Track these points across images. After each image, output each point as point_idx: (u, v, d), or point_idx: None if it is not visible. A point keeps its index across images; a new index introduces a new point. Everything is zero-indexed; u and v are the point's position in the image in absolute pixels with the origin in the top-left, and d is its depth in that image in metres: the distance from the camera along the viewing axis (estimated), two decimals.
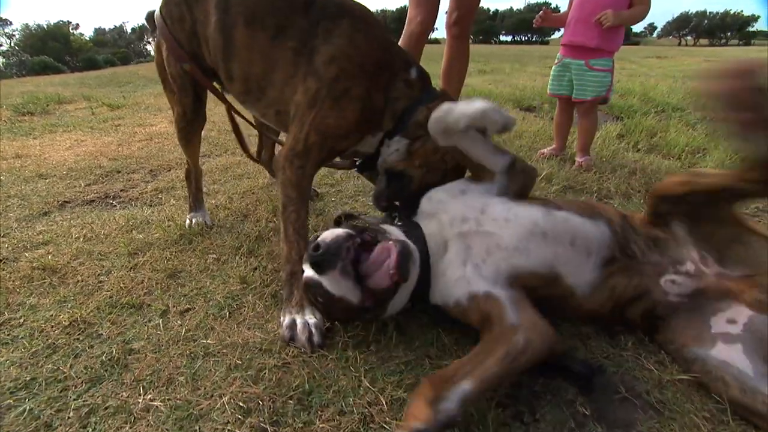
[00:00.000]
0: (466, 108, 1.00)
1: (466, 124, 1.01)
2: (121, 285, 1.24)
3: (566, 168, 2.30)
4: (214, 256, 1.39)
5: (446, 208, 1.06)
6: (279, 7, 1.20)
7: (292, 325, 0.98)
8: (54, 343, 1.00)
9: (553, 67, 2.45)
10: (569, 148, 2.62)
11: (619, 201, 1.90)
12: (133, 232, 1.59)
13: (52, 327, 1.06)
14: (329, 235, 0.92)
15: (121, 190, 2.06)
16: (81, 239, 1.54)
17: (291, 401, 0.84)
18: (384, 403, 0.83)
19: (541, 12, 2.48)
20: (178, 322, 1.07)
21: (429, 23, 2.50)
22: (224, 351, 0.96)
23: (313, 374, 0.90)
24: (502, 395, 0.87)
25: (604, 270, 0.99)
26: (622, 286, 0.99)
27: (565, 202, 1.12)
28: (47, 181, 2.19)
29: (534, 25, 2.57)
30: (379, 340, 1.00)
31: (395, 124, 1.20)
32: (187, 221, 1.60)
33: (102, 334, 1.03)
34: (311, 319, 0.99)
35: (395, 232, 1.03)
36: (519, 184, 1.08)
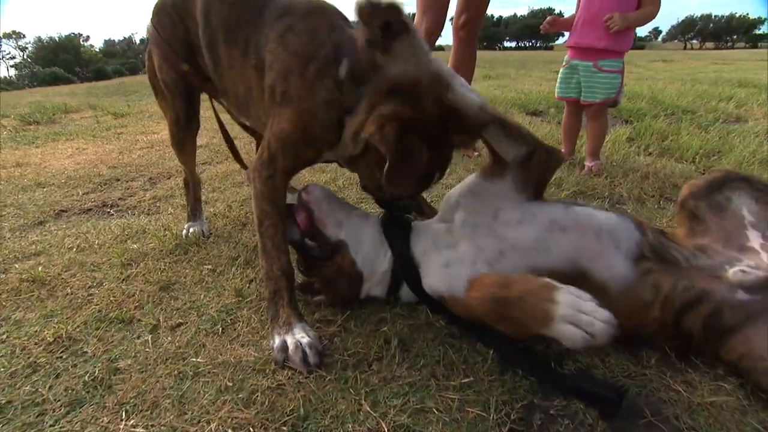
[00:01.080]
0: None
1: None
2: (112, 298, 1.18)
3: (576, 173, 2.23)
4: (210, 266, 1.33)
5: (458, 213, 1.05)
6: (245, 17, 1.10)
7: (284, 346, 0.91)
8: (35, 362, 0.94)
9: (560, 70, 2.38)
10: (578, 153, 2.55)
11: (633, 206, 1.83)
12: (128, 241, 1.53)
13: (36, 344, 1.00)
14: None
15: (119, 199, 2.02)
16: (74, 249, 1.49)
17: (284, 427, 0.77)
18: (386, 429, 0.76)
19: (549, 18, 2.41)
20: (168, 338, 1.01)
21: (436, 30, 2.45)
22: (215, 371, 0.90)
23: (309, 397, 0.83)
24: (515, 419, 0.79)
25: (637, 265, 0.91)
26: (668, 285, 0.89)
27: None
28: (45, 189, 2.15)
29: (542, 31, 2.51)
30: (381, 358, 0.93)
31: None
32: (184, 231, 1.55)
33: (87, 351, 0.97)
34: (303, 338, 0.91)
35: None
36: (534, 179, 1.02)
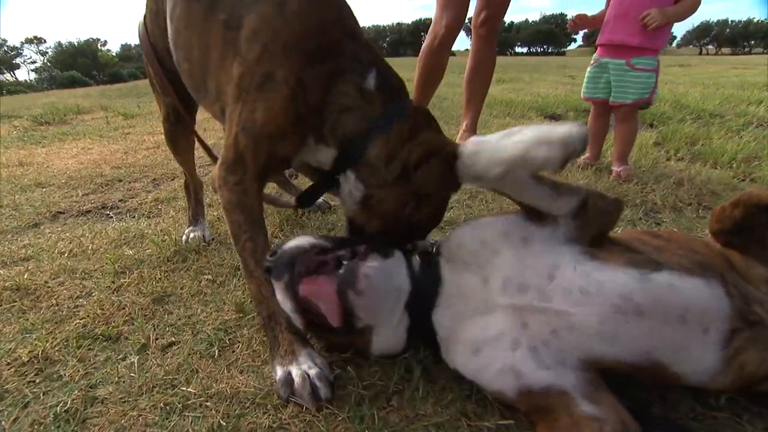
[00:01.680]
0: (497, 150, 0.67)
1: (502, 172, 0.68)
2: (99, 311, 1.06)
3: (604, 178, 2.08)
4: (210, 277, 1.21)
5: (498, 264, 0.75)
6: None
7: (288, 379, 0.77)
8: (2, 387, 0.82)
9: (588, 68, 2.23)
10: (604, 157, 2.39)
11: (669, 215, 1.67)
12: (124, 247, 1.42)
13: (8, 364, 0.88)
14: (294, 242, 0.78)
15: (120, 200, 1.92)
16: (66, 254, 1.38)
17: None
18: None
19: (575, 15, 2.26)
20: (158, 361, 0.89)
21: (455, 27, 2.35)
22: (207, 404, 0.77)
23: None
24: None
25: (727, 349, 0.69)
26: (754, 363, 0.70)
27: (662, 243, 0.79)
28: (44, 190, 2.06)
29: (568, 29, 2.37)
30: (402, 391, 0.79)
31: (341, 151, 0.90)
32: (184, 236, 1.43)
33: (63, 375, 0.85)
34: (312, 369, 0.77)
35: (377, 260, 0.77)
36: (594, 228, 0.76)
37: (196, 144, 1.37)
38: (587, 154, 2.37)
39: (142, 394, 0.80)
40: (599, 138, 2.34)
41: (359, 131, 0.87)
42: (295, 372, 0.77)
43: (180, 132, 1.34)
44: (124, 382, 0.83)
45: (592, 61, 2.20)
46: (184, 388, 0.80)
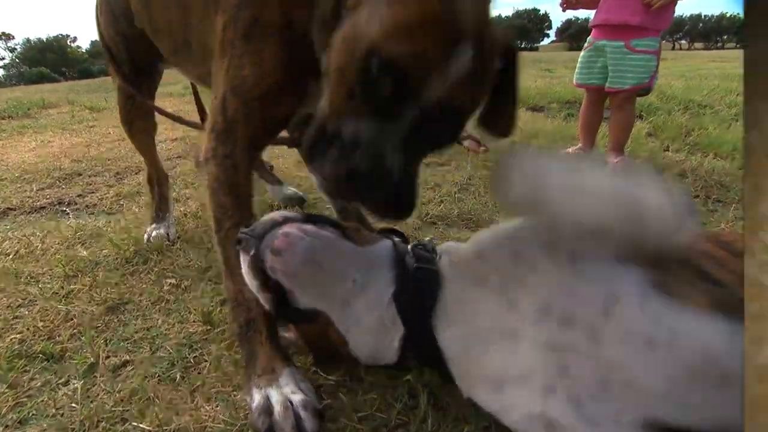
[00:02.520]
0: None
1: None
2: (41, 323, 0.89)
3: None
4: (173, 281, 1.05)
5: (533, 284, 0.57)
6: None
7: (267, 406, 0.61)
8: None
9: (581, 53, 2.13)
10: (597, 148, 2.30)
11: None
12: (78, 247, 1.25)
13: None
14: (279, 214, 0.67)
15: (78, 196, 1.73)
16: (11, 256, 1.20)
17: None
18: None
19: None
20: (106, 386, 0.73)
21: None
22: None
23: None
24: None
25: None
26: None
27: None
28: None
29: (562, 9, 2.24)
30: (407, 423, 0.65)
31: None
32: (146, 235, 1.26)
33: None
34: (295, 395, 0.62)
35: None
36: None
37: (158, 130, 1.20)
38: (580, 145, 2.27)
39: (84, 431, 0.64)
40: (593, 128, 2.24)
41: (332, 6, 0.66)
42: (276, 398, 0.62)
43: (135, 109, 1.16)
44: (62, 415, 0.67)
45: (586, 45, 2.10)
46: (137, 423, 0.65)
